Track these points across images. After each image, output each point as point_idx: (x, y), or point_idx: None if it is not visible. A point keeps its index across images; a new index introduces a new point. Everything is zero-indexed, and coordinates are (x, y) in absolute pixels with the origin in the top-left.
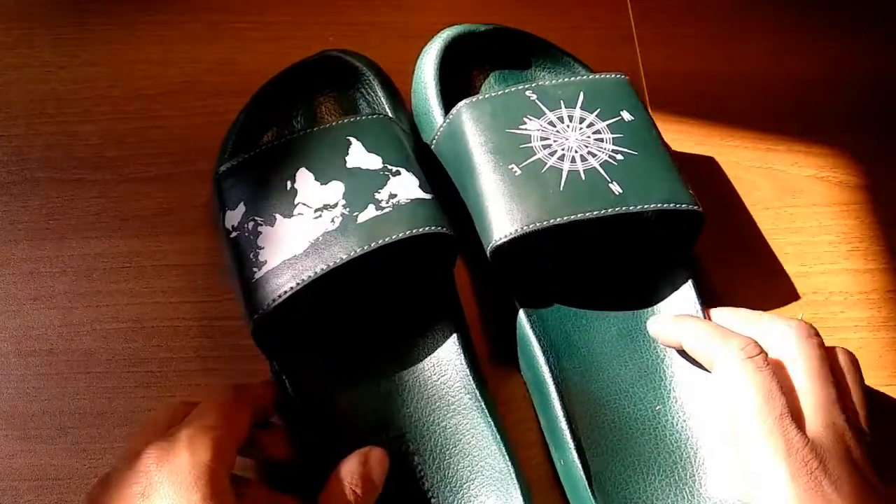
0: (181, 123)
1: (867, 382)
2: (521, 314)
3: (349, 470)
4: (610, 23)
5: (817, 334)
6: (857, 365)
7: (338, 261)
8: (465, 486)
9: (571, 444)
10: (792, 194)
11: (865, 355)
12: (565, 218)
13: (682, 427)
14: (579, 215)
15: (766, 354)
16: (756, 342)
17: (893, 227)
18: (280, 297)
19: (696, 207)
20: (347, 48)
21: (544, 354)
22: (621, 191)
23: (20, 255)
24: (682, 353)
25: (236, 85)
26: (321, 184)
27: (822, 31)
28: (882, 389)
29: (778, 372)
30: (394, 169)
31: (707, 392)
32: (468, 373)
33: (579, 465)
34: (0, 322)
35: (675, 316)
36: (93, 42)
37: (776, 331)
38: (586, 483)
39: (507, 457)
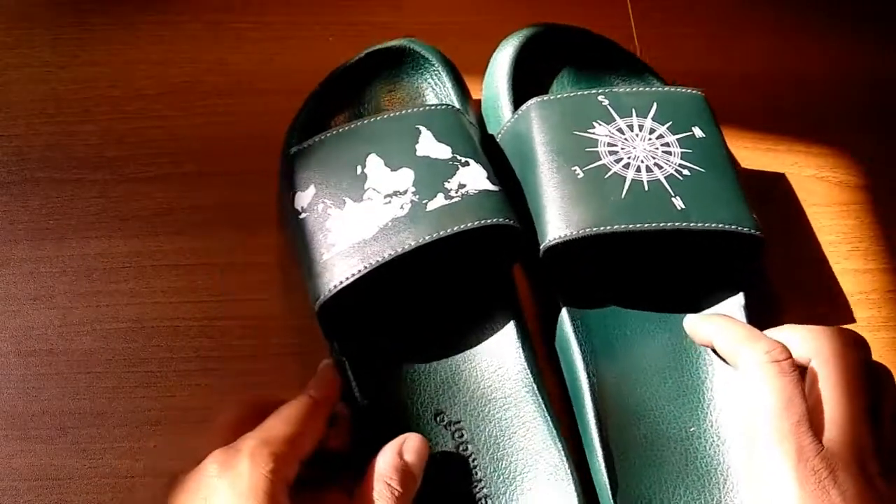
0: (181, 123)
1: None
2: (565, 315)
3: (385, 464)
4: (610, 23)
5: (862, 344)
6: (891, 378)
7: (406, 247)
8: (518, 479)
9: (600, 451)
10: (792, 194)
11: None
12: (622, 227)
13: (715, 452)
14: (637, 226)
15: (793, 360)
16: (784, 347)
17: (893, 227)
18: (348, 279)
19: (758, 233)
20: (348, 48)
21: (583, 359)
22: (684, 206)
23: (20, 255)
24: (723, 372)
25: (236, 85)
26: (391, 170)
27: (822, 32)
28: None
29: (812, 379)
30: (463, 159)
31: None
32: (525, 366)
33: (605, 472)
34: (0, 322)
35: (710, 315)
36: (93, 42)
37: (818, 337)
38: (610, 491)
39: (562, 452)
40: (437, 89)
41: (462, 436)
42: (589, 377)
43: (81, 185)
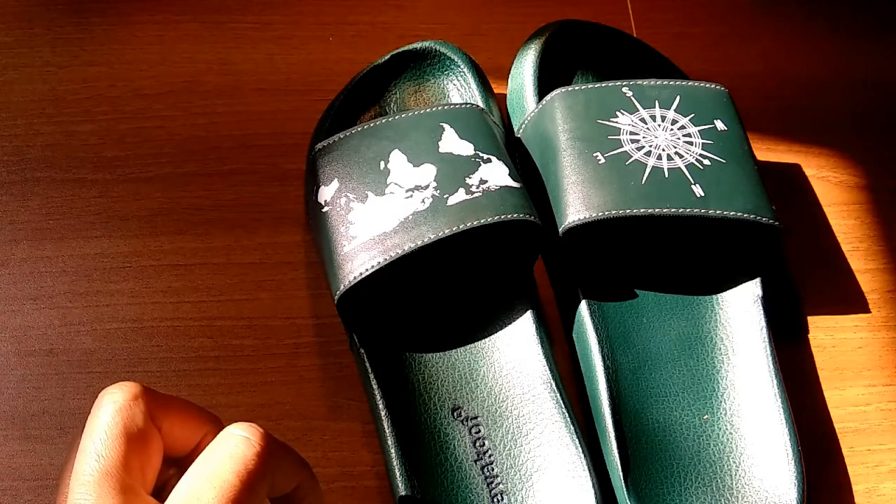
0: (181, 123)
1: (866, 383)
2: (583, 304)
3: None
4: (610, 22)
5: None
6: None
7: (426, 240)
8: (535, 475)
9: (613, 435)
10: (792, 194)
11: (865, 355)
12: (642, 211)
13: (728, 440)
14: (657, 211)
15: None
16: None
17: (893, 227)
18: (368, 270)
19: (776, 223)
20: (348, 48)
21: (599, 345)
22: (703, 194)
23: (20, 255)
24: (738, 360)
25: (236, 85)
26: (413, 166)
27: (822, 33)
28: (882, 389)
29: None
30: (485, 156)
31: (759, 410)
32: (544, 362)
33: (617, 456)
34: (0, 322)
35: None
36: (93, 42)
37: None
38: (622, 475)
39: (580, 448)
40: (461, 90)
41: (479, 431)
42: (604, 363)
43: (81, 185)
